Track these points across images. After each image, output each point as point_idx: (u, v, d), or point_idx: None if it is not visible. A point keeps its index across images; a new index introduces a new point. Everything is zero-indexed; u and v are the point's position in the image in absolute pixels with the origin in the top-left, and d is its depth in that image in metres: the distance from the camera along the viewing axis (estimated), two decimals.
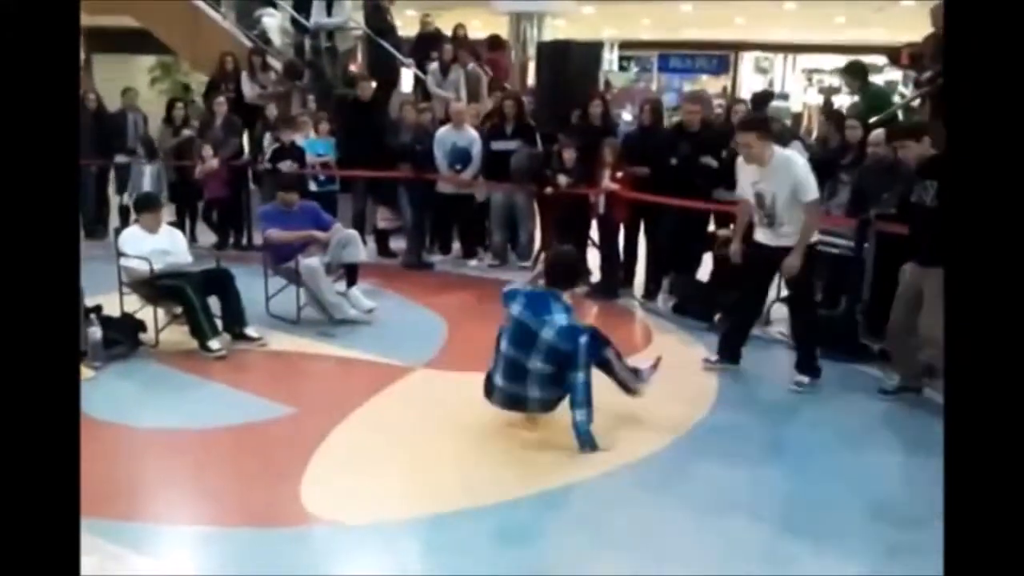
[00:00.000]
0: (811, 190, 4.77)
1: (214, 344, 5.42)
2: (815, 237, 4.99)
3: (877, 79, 21.53)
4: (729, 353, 5.32)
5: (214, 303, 5.62)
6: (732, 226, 5.58)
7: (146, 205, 5.86)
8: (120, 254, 5.55)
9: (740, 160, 5.06)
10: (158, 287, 5.51)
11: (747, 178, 4.98)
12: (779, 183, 4.77)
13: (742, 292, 5.39)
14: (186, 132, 8.71)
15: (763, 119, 5.60)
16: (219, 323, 5.59)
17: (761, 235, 5.03)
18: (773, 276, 5.25)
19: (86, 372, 4.95)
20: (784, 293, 5.52)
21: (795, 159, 4.89)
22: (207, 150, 8.27)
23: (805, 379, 5.05)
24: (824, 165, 5.97)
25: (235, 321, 5.66)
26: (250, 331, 5.69)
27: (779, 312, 5.97)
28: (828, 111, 9.60)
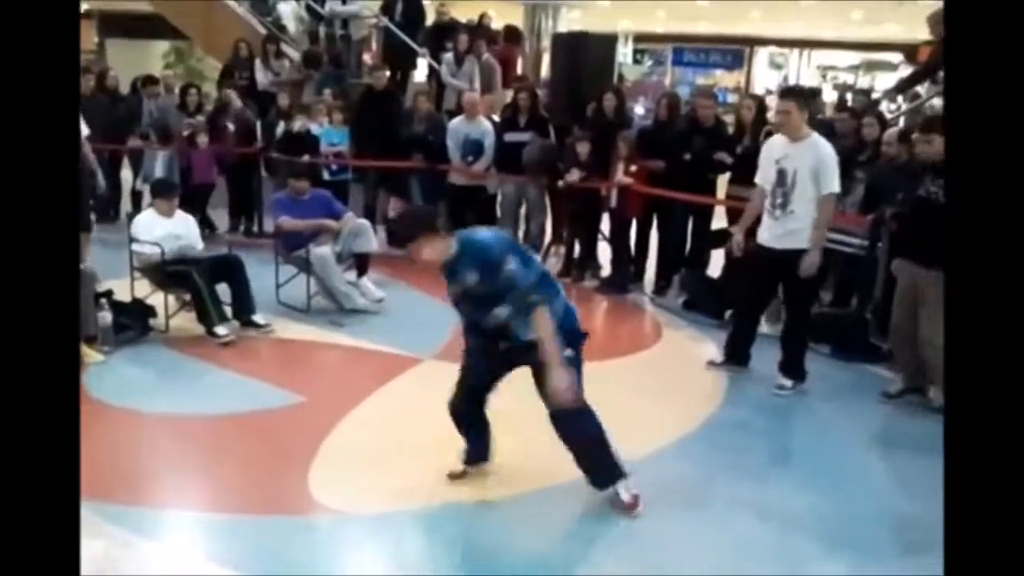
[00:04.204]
0: (833, 182, 4.70)
1: (220, 330, 5.43)
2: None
3: (892, 77, 21.41)
4: (735, 355, 5.25)
5: (224, 290, 5.63)
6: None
7: (162, 191, 5.88)
8: (132, 239, 5.57)
9: (769, 140, 5.00)
10: (167, 272, 5.52)
11: (773, 155, 4.84)
12: (804, 162, 4.68)
13: (743, 295, 5.29)
14: (199, 118, 8.70)
15: (805, 90, 5.50)
16: (228, 310, 5.60)
17: (766, 231, 4.87)
18: (776, 281, 5.04)
19: (96, 356, 4.98)
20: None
21: (829, 148, 4.75)
22: (202, 137, 8.22)
23: (788, 383, 4.96)
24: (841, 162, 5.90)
25: (243, 308, 5.67)
26: (258, 318, 5.70)
27: None
28: (843, 107, 9.51)
